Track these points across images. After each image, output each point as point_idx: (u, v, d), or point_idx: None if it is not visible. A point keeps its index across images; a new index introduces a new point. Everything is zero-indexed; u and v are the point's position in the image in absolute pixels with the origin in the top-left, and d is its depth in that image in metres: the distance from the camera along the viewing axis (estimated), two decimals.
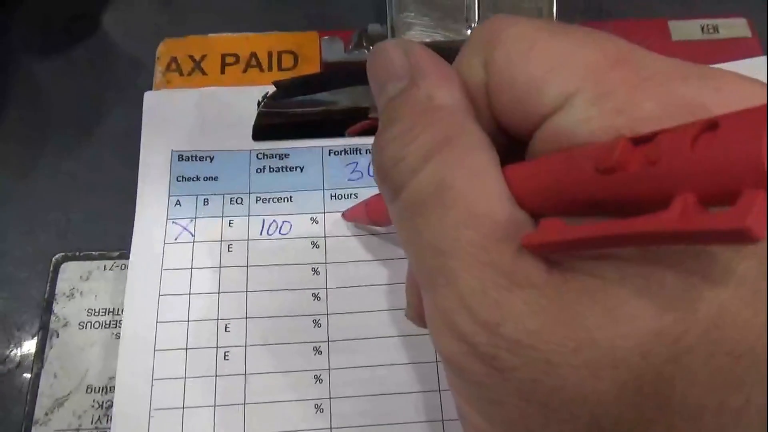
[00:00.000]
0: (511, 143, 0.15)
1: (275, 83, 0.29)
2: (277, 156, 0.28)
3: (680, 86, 0.12)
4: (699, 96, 0.12)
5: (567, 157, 0.12)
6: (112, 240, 0.28)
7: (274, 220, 0.27)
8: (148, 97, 0.29)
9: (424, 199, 0.13)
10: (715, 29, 0.33)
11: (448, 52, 0.29)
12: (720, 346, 0.11)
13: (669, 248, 0.11)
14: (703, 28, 0.33)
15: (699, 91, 0.12)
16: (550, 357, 0.12)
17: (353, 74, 0.29)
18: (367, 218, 0.25)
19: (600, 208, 0.12)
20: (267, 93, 0.29)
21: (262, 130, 0.28)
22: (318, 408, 0.24)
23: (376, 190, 0.28)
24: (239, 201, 0.27)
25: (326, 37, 0.29)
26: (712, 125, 0.10)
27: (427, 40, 0.29)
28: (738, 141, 0.09)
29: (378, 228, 0.26)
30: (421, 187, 0.13)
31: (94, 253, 0.27)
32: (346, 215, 0.27)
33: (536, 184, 0.13)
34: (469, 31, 0.29)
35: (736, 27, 0.33)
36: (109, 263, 0.27)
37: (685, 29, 0.33)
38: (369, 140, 0.29)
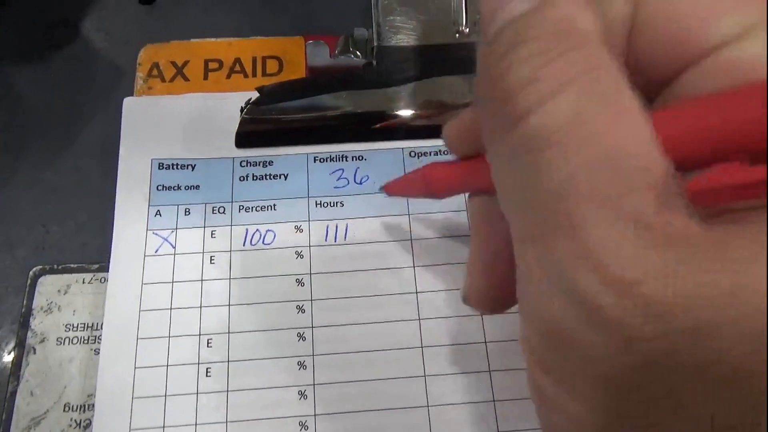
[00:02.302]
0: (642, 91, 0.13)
1: (258, 89, 0.28)
2: (261, 163, 0.27)
3: None
4: None
5: (751, 88, 0.10)
6: (92, 252, 0.27)
7: (257, 230, 0.26)
8: (128, 103, 0.28)
9: (554, 130, 0.11)
10: None
11: (435, 56, 0.29)
12: None
13: None
14: None
15: None
16: (705, 328, 0.09)
17: (339, 79, 0.28)
18: (424, 189, 0.21)
19: None
20: (250, 99, 0.28)
21: (246, 137, 0.28)
22: (303, 425, 0.23)
23: (362, 198, 0.27)
24: (222, 210, 0.26)
25: (311, 42, 0.29)
26: None
27: (414, 44, 0.28)
28: None
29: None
30: (554, 115, 0.11)
31: (72, 265, 0.27)
32: (390, 187, 0.24)
33: (692, 128, 0.11)
34: (457, 35, 0.29)
35: None
36: (88, 276, 0.26)
37: None
38: (358, 147, 0.28)
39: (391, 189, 0.24)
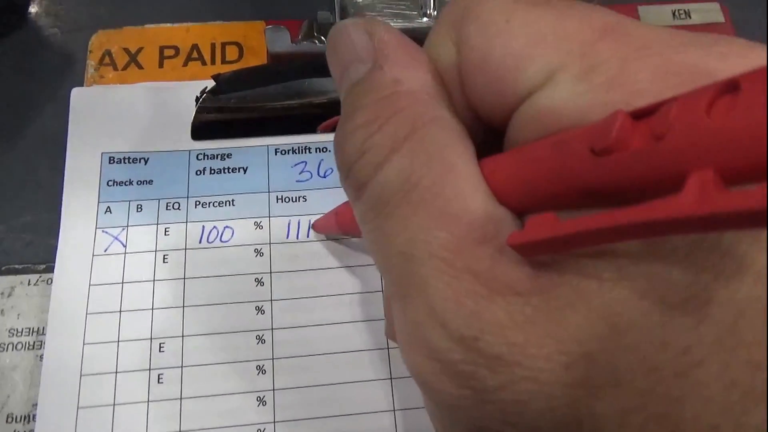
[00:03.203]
0: (487, 135, 0.13)
1: (214, 77, 0.26)
2: (219, 156, 0.26)
3: (679, 53, 0.10)
4: (703, 62, 0.10)
5: (554, 141, 0.10)
6: (38, 252, 0.25)
7: (214, 227, 0.25)
8: (76, 94, 0.27)
9: (389, 197, 0.12)
10: (687, 14, 0.31)
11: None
12: (736, 355, 0.09)
13: (679, 239, 0.10)
14: (674, 13, 0.31)
15: (702, 58, 0.10)
16: (538, 375, 0.10)
17: (301, 66, 0.27)
18: (337, 228, 0.23)
19: (596, 199, 0.10)
20: (206, 88, 0.26)
21: (202, 129, 0.26)
22: None
23: (326, 192, 0.26)
24: (176, 206, 0.25)
25: (270, 27, 0.27)
26: (731, 87, 0.08)
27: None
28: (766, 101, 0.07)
29: (340, 235, 0.24)
30: (386, 183, 0.12)
31: (17, 266, 0.25)
32: (316, 226, 0.25)
33: (519, 176, 0.11)
34: (424, 19, 0.27)
35: (708, 12, 0.31)
36: (34, 278, 0.25)
37: (656, 14, 0.31)
38: (321, 138, 0.27)
39: (318, 228, 0.25)
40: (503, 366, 0.10)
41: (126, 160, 0.26)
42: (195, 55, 0.29)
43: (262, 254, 0.24)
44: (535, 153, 0.11)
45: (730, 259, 0.09)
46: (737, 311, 0.09)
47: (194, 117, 0.26)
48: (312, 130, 0.26)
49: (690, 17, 0.31)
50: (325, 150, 0.26)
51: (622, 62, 0.10)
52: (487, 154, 0.12)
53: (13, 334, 0.24)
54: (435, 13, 0.27)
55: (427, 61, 0.13)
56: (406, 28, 0.27)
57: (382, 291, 0.24)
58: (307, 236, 0.25)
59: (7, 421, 0.23)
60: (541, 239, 0.10)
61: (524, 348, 0.10)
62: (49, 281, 0.24)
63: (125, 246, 0.24)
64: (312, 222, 0.25)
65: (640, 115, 0.09)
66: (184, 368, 0.22)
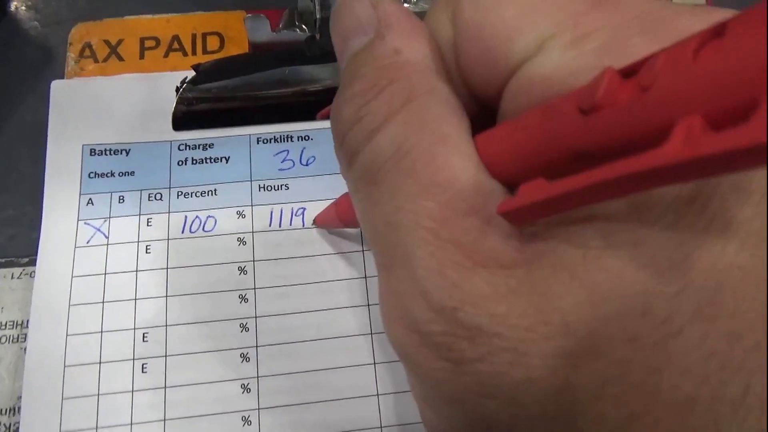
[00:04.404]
0: (482, 114, 0.13)
1: (194, 67, 0.26)
2: (201, 146, 0.26)
3: (674, 21, 0.10)
4: (697, 29, 0.10)
5: (544, 107, 0.10)
6: (20, 245, 0.25)
7: (197, 216, 0.25)
8: (56, 86, 0.26)
9: (380, 165, 0.12)
10: None
11: None
12: (715, 326, 0.09)
13: (665, 207, 0.09)
14: None
15: (696, 25, 0.10)
16: (518, 345, 0.10)
17: (280, 55, 0.27)
18: (338, 220, 0.22)
19: (587, 161, 0.10)
20: (186, 78, 0.26)
21: (183, 119, 0.26)
22: (246, 420, 0.22)
23: (308, 180, 0.26)
24: (158, 197, 0.25)
25: (250, 16, 0.27)
26: (717, 32, 0.08)
27: None
28: (754, 40, 0.07)
29: (342, 228, 0.24)
30: (378, 151, 0.12)
31: (0, 260, 0.25)
32: (317, 221, 0.24)
33: (511, 147, 0.11)
34: (405, 5, 0.27)
35: None
36: (17, 271, 0.25)
37: None
38: (303, 126, 0.27)
39: (318, 222, 0.24)
40: (483, 337, 0.10)
41: (107, 152, 0.26)
42: (176, 45, 0.29)
43: (245, 243, 0.24)
44: (526, 121, 0.11)
45: (716, 226, 0.09)
46: (719, 280, 0.09)
47: (175, 107, 0.26)
48: (293, 118, 0.26)
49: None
50: (307, 138, 0.26)
51: (615, 30, 0.10)
52: (480, 132, 0.12)
53: None
54: (415, 0, 0.27)
55: (428, 35, 0.13)
56: None
57: (365, 277, 0.24)
58: (290, 224, 0.25)
59: None
60: (532, 202, 0.10)
61: (505, 319, 0.10)
62: (33, 274, 0.24)
63: (108, 237, 0.24)
64: (314, 219, 0.25)
65: (629, 72, 0.09)
66: (168, 357, 0.22)
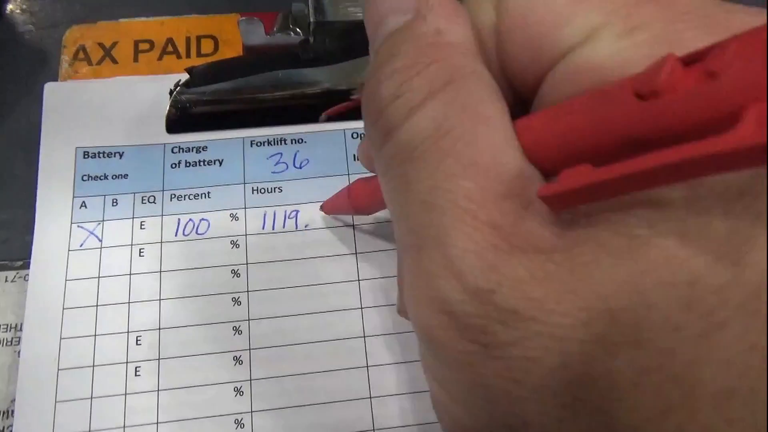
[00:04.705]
0: (516, 102, 0.13)
1: (188, 70, 0.26)
2: (194, 149, 0.26)
3: (728, 17, 0.10)
4: (752, 24, 0.10)
5: (594, 93, 0.10)
6: (15, 249, 0.25)
7: (190, 219, 0.25)
8: (49, 89, 0.26)
9: (419, 143, 0.12)
10: None
11: None
12: (757, 320, 0.09)
13: (717, 198, 0.09)
14: None
15: (750, 21, 0.10)
16: (555, 330, 0.10)
17: (274, 58, 0.27)
18: (350, 206, 0.22)
19: (639, 148, 0.09)
20: (179, 81, 0.26)
21: (177, 122, 0.26)
22: (239, 423, 0.22)
23: (302, 183, 0.26)
24: (152, 200, 0.25)
25: (244, 19, 0.27)
26: None
27: (354, 19, 0.27)
28: None
29: (351, 214, 0.24)
30: (418, 128, 0.12)
31: None
32: (325, 207, 0.24)
33: (554, 132, 0.11)
34: None
35: None
36: (11, 274, 0.25)
37: None
38: (297, 129, 0.27)
39: (326, 208, 0.24)
40: (518, 321, 0.10)
41: (101, 155, 0.26)
42: (170, 48, 0.29)
43: (238, 246, 0.24)
44: (573, 107, 0.11)
45: (765, 221, 0.09)
46: (765, 275, 0.09)
47: (168, 110, 0.26)
48: (287, 121, 0.26)
49: None
50: (300, 141, 0.26)
51: (667, 22, 0.10)
52: (515, 119, 0.12)
53: None
54: None
55: (468, 18, 0.13)
56: None
57: (358, 280, 0.24)
58: (283, 227, 0.25)
59: None
60: (577, 186, 0.10)
61: (542, 303, 0.10)
62: (26, 277, 0.24)
63: (101, 240, 0.24)
64: (321, 204, 0.24)
65: (691, 61, 0.09)
66: (161, 360, 0.22)
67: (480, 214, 0.11)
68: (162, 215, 0.25)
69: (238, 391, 0.22)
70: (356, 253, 0.24)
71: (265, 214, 0.25)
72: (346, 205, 0.22)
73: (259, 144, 0.26)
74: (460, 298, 0.11)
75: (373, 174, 0.20)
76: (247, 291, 0.24)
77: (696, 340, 0.09)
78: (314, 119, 0.27)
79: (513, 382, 0.10)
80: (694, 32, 0.10)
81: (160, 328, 0.23)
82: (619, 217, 0.10)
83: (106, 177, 0.25)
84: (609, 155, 0.10)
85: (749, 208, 0.09)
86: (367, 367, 0.23)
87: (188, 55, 0.29)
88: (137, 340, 0.23)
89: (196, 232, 0.24)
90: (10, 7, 0.31)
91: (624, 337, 0.10)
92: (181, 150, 0.26)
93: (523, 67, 0.12)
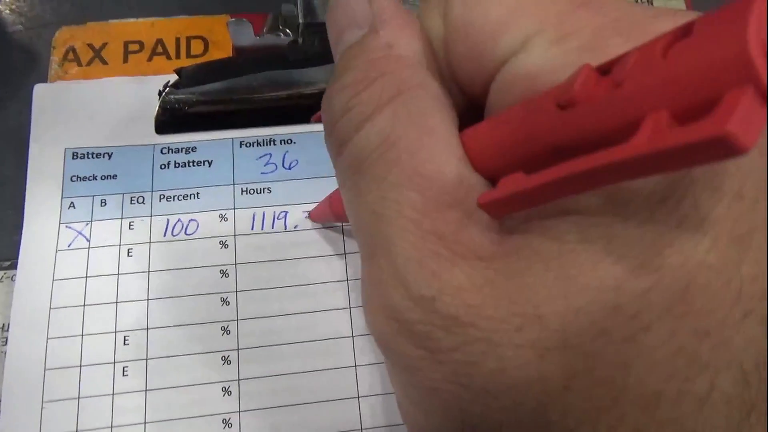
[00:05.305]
0: (471, 107, 0.13)
1: (177, 71, 0.26)
2: (183, 150, 0.26)
3: (653, 23, 0.11)
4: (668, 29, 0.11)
5: (525, 103, 0.11)
6: (2, 249, 0.25)
7: (179, 220, 0.25)
8: (39, 90, 0.26)
9: (367, 155, 0.12)
10: (650, 2, 0.31)
11: None
12: (683, 323, 0.09)
13: (641, 202, 0.10)
14: (637, 0, 0.31)
15: (671, 27, 0.10)
16: (491, 336, 0.10)
17: (263, 59, 0.27)
18: (332, 215, 0.23)
19: (564, 155, 0.10)
20: (168, 82, 0.26)
21: (166, 123, 0.26)
22: (226, 423, 0.22)
23: (291, 184, 0.26)
24: (141, 200, 0.25)
25: (233, 20, 0.27)
26: (685, 32, 0.08)
27: None
28: (717, 38, 0.08)
29: (336, 222, 0.25)
30: (366, 141, 0.12)
31: None
32: (313, 216, 0.25)
33: (494, 142, 0.12)
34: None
35: (670, 0, 0.31)
36: None
37: None
38: (286, 130, 0.27)
39: (313, 216, 0.25)
40: (458, 327, 0.10)
41: (90, 155, 0.26)
42: (160, 49, 0.29)
43: (226, 246, 0.24)
44: (508, 116, 0.11)
45: (688, 225, 0.09)
46: (689, 278, 0.09)
47: (157, 111, 0.26)
48: (276, 122, 0.27)
49: (651, 3, 0.31)
50: (290, 142, 0.26)
51: (596, 30, 0.11)
52: (467, 127, 0.12)
53: None
54: None
55: (420, 30, 0.13)
56: None
57: (347, 280, 0.24)
58: (272, 227, 0.25)
59: None
60: (510, 194, 0.10)
61: (480, 309, 0.10)
62: (14, 278, 0.24)
63: (89, 240, 0.24)
64: (308, 213, 0.25)
65: (605, 70, 0.09)
66: (149, 360, 0.22)
67: (424, 223, 0.11)
68: (151, 216, 0.25)
69: (226, 391, 0.22)
70: (345, 254, 0.24)
71: (254, 215, 0.25)
72: (329, 213, 0.23)
73: (248, 145, 0.26)
74: (406, 305, 0.11)
75: None
76: (236, 291, 0.24)
77: (622, 344, 0.09)
78: (303, 120, 0.27)
79: (460, 387, 0.11)
80: (618, 39, 0.10)
81: (147, 328, 0.23)
82: (552, 223, 0.10)
83: (95, 177, 0.25)
84: (540, 163, 0.10)
85: (672, 213, 0.10)
86: (355, 366, 0.23)
87: (178, 56, 0.29)
88: (125, 340, 0.23)
89: (185, 233, 0.25)
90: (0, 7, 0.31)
91: (554, 342, 0.10)
92: (170, 151, 0.26)
93: (470, 76, 0.13)
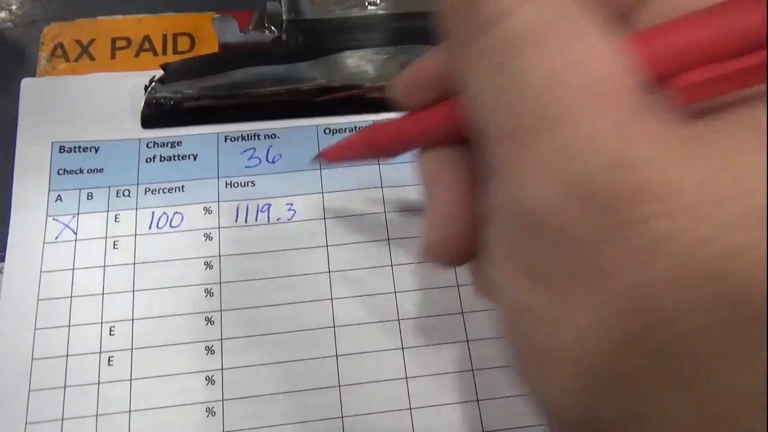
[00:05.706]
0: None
1: (163, 66, 0.27)
2: (169, 144, 0.26)
3: None
4: None
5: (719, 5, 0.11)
6: None
7: (164, 212, 0.25)
8: (26, 84, 0.27)
9: (530, 32, 0.11)
10: None
11: (347, 29, 0.28)
12: None
13: None
14: None
15: None
16: (694, 210, 0.09)
17: (247, 55, 0.27)
18: (368, 149, 0.20)
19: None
20: (154, 77, 0.27)
21: (152, 117, 0.27)
22: (210, 411, 0.22)
23: (274, 177, 0.26)
24: (127, 193, 0.25)
25: (218, 17, 0.27)
26: None
27: (326, 17, 0.27)
28: None
29: (355, 162, 0.23)
30: (531, 19, 0.11)
31: None
32: (329, 154, 0.21)
33: (680, 42, 0.11)
34: (370, 7, 0.28)
35: None
36: None
37: None
38: (270, 125, 0.27)
39: (328, 155, 0.21)
40: (653, 198, 0.10)
41: (77, 149, 0.26)
42: (147, 46, 0.29)
43: (211, 238, 0.25)
44: (706, 14, 0.11)
45: None
46: None
47: (143, 106, 0.27)
48: (260, 117, 0.27)
49: None
50: (273, 137, 0.27)
51: None
52: None
53: None
54: (379, 2, 0.27)
55: None
56: (355, 16, 0.27)
57: (329, 272, 0.24)
58: (256, 220, 0.25)
59: None
60: (711, 77, 0.10)
61: (682, 180, 0.10)
62: (2, 270, 0.25)
63: (76, 233, 0.25)
64: (320, 152, 0.21)
65: None
66: (134, 350, 0.23)
67: (613, 94, 0.11)
68: (136, 208, 0.25)
69: (210, 380, 0.23)
70: (327, 246, 0.25)
71: (238, 208, 0.25)
72: (362, 149, 0.20)
73: (232, 139, 0.27)
74: (592, 167, 0.10)
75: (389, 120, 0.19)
76: (220, 282, 0.24)
77: None
78: (287, 115, 0.27)
79: (642, 266, 0.10)
80: None
81: (133, 319, 0.23)
82: (745, 110, 0.10)
83: (81, 171, 0.26)
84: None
85: None
86: (336, 356, 0.23)
87: (165, 53, 0.29)
88: (111, 331, 0.23)
89: (170, 225, 0.25)
90: None
91: (760, 219, 0.09)
92: (155, 145, 0.26)
93: None
